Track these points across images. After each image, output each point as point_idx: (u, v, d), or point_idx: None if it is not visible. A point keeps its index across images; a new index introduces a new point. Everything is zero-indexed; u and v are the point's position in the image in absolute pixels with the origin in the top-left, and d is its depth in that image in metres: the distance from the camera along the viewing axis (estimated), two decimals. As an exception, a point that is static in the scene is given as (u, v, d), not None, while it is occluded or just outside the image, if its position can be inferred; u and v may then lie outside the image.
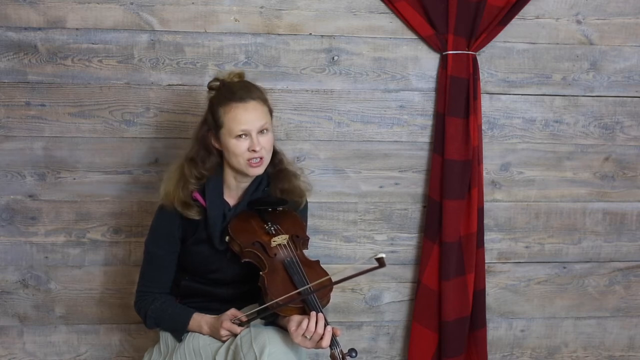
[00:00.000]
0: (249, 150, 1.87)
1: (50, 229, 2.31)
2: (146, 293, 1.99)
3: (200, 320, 1.92)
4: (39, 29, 2.20)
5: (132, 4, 2.22)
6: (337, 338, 1.73)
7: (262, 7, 2.27)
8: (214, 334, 1.89)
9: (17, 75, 2.22)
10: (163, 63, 2.26)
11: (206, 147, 1.95)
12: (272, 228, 1.93)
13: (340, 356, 1.70)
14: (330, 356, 1.70)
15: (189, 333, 1.94)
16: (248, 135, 1.87)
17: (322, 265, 1.91)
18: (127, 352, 2.42)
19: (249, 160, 1.88)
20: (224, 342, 1.86)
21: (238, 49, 2.27)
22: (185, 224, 1.95)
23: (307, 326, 1.70)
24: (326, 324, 1.72)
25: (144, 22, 2.23)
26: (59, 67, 2.23)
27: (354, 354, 1.70)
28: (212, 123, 1.91)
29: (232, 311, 1.90)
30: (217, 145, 1.93)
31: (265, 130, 1.89)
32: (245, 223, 1.94)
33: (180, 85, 2.28)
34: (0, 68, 2.21)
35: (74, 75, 2.24)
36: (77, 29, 2.22)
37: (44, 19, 2.20)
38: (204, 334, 1.91)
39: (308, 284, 1.78)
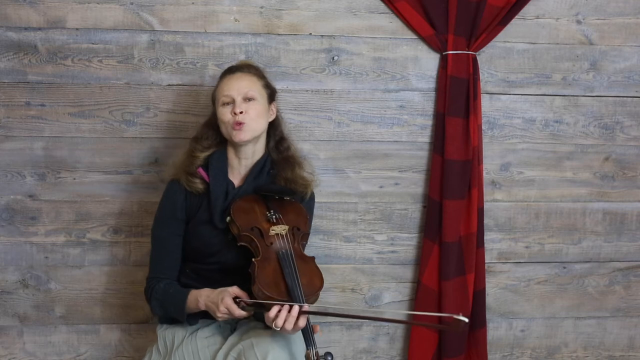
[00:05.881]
0: (231, 114, 1.92)
1: (50, 229, 2.31)
2: (153, 279, 1.99)
3: (197, 294, 1.88)
4: (39, 29, 2.20)
5: (132, 4, 2.22)
6: (316, 336, 1.70)
7: (262, 7, 2.27)
8: (211, 309, 1.83)
9: (17, 75, 2.22)
10: (163, 63, 2.26)
11: (209, 125, 2.04)
12: (274, 216, 1.92)
13: (315, 358, 1.66)
14: (305, 356, 1.68)
15: (188, 334, 1.93)
16: (232, 102, 1.94)
17: (321, 265, 1.90)
18: (127, 352, 2.42)
19: (232, 125, 1.92)
20: (218, 319, 1.83)
21: (238, 49, 2.27)
22: (188, 202, 1.97)
23: (278, 314, 1.66)
24: (301, 313, 1.67)
25: (144, 22, 2.23)
26: (59, 67, 2.23)
27: (329, 359, 1.67)
28: (212, 101, 2.03)
29: (235, 289, 1.82)
30: (217, 120, 2.00)
31: (252, 99, 1.94)
32: (248, 206, 1.93)
33: (180, 85, 2.27)
34: (0, 68, 2.21)
35: (74, 75, 2.24)
36: (77, 29, 2.22)
37: (44, 19, 2.20)
38: (200, 309, 1.87)
39: (297, 279, 1.75)
